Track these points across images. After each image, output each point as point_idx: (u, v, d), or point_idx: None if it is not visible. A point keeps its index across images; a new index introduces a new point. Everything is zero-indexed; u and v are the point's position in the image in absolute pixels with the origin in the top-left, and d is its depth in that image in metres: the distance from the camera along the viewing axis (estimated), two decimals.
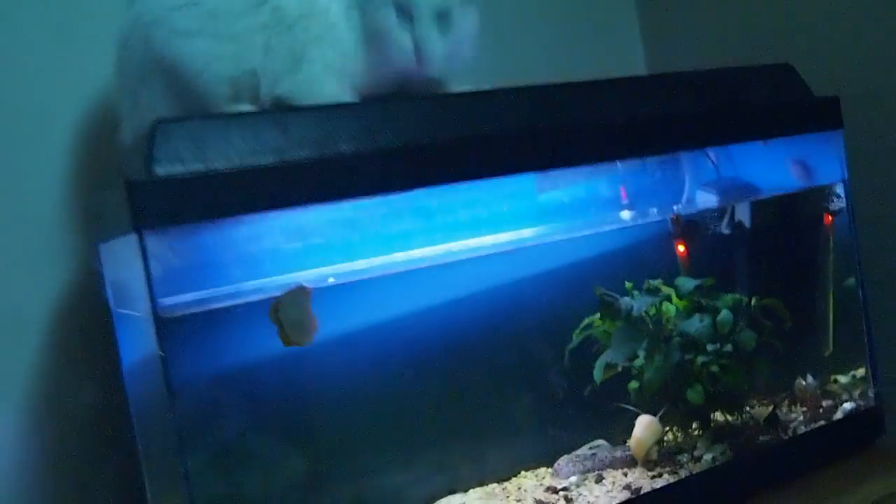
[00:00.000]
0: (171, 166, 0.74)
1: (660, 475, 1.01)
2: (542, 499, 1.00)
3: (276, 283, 0.80)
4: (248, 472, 0.89)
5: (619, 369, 1.05)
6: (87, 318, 1.09)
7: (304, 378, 0.93)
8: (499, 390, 1.11)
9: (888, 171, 1.24)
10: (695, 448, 1.06)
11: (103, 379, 1.07)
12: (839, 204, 1.22)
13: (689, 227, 1.21)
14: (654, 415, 1.06)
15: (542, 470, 1.09)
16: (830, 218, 1.25)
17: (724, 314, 1.05)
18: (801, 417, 1.15)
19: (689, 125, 1.02)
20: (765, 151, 1.18)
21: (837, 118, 1.14)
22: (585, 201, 1.07)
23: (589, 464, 1.06)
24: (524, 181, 0.95)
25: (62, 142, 1.10)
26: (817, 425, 1.12)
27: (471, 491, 1.05)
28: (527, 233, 1.00)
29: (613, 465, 1.05)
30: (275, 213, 0.77)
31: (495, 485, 1.06)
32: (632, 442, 1.06)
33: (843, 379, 1.23)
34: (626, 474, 1.03)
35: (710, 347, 1.04)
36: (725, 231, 1.24)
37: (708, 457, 1.04)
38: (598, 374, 1.04)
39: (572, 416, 1.11)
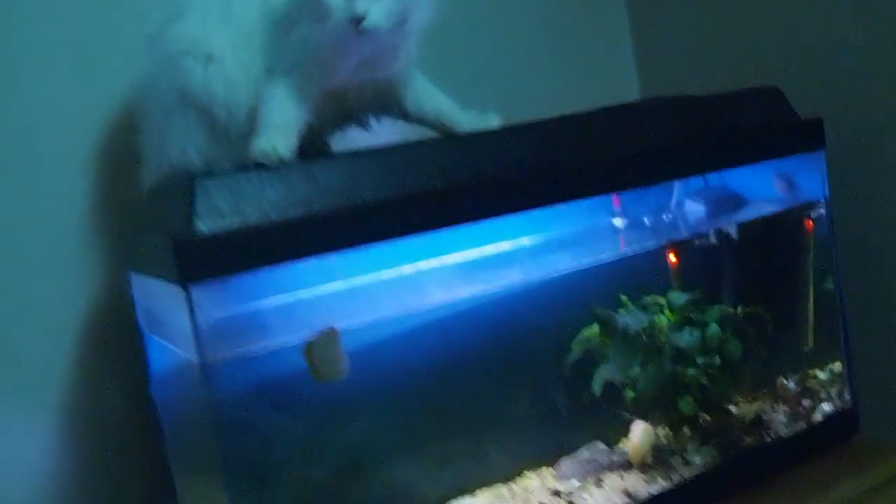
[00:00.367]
0: (212, 221, 0.80)
1: (654, 478, 1.10)
2: (547, 502, 1.09)
3: (308, 324, 0.86)
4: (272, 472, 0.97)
5: (616, 383, 1.14)
6: (116, 332, 1.16)
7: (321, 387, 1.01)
8: (502, 394, 1.19)
9: (865, 186, 1.32)
10: (685, 451, 1.16)
11: (131, 387, 1.15)
12: (819, 210, 1.29)
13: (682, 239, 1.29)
14: (648, 419, 1.15)
15: (544, 469, 1.18)
16: (811, 223, 1.33)
17: (713, 328, 1.14)
18: (783, 417, 1.24)
19: (684, 155, 1.09)
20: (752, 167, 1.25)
21: (821, 139, 1.21)
22: (586, 232, 1.14)
23: (589, 467, 1.15)
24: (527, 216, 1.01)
25: (90, 154, 1.15)
26: (798, 427, 1.21)
27: (478, 492, 1.13)
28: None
29: (611, 468, 1.14)
30: (307, 260, 0.83)
31: (501, 486, 1.14)
32: (629, 447, 1.14)
33: (821, 375, 1.33)
34: (622, 478, 1.12)
35: (699, 360, 1.12)
36: (712, 241, 1.31)
37: (697, 459, 1.13)
38: (596, 387, 1.12)
39: (572, 418, 1.20)
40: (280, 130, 0.90)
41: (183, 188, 0.83)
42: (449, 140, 0.99)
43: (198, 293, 0.78)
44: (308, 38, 0.91)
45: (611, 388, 1.15)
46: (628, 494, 1.08)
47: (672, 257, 1.28)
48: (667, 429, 1.17)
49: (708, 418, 1.18)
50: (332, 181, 0.87)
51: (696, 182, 1.30)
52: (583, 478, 1.13)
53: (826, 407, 1.25)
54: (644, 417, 1.16)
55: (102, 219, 1.15)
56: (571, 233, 1.12)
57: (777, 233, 1.35)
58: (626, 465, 1.14)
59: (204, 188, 0.81)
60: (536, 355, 1.17)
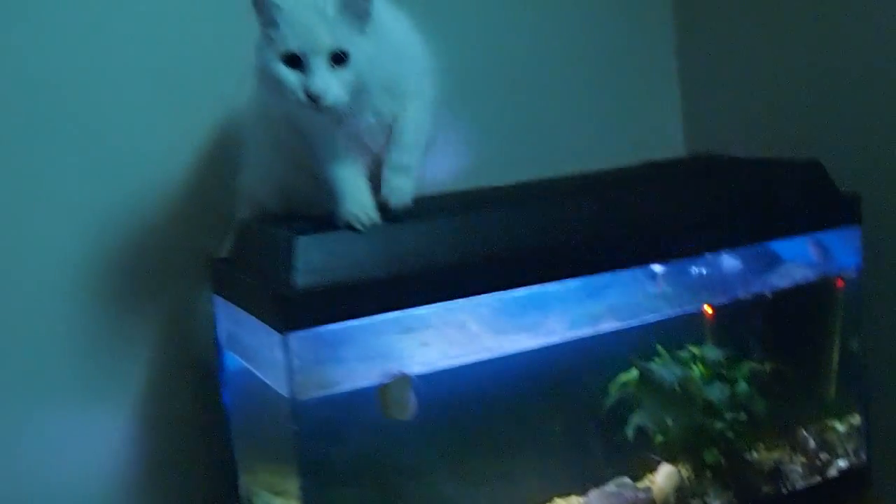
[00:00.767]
0: (310, 277, 0.91)
1: None
2: None
3: (386, 370, 0.97)
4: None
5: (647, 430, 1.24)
6: (192, 343, 1.29)
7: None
8: (544, 429, 1.29)
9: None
10: (705, 494, 1.25)
11: (203, 393, 1.27)
12: (850, 274, 1.38)
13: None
14: (674, 463, 1.25)
15: (573, 498, 1.28)
16: (842, 282, 1.42)
17: (742, 386, 1.23)
18: (800, 469, 1.33)
19: (726, 229, 1.18)
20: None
21: (857, 214, 1.29)
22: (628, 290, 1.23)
23: (615, 500, 1.25)
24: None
25: (183, 179, 1.27)
26: (813, 479, 1.30)
27: None
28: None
29: (636, 503, 1.24)
30: (388, 315, 0.94)
31: None
32: (654, 486, 1.25)
33: (840, 426, 1.42)
34: None
35: (727, 416, 1.22)
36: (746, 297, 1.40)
37: (717, 503, 1.23)
38: (630, 432, 1.22)
39: (603, 454, 1.30)
40: (360, 193, 1.00)
41: (283, 242, 0.94)
42: (518, 204, 1.09)
43: (293, 340, 0.89)
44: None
45: (641, 431, 1.25)
46: None
47: (708, 309, 1.38)
48: (690, 471, 1.27)
49: (729, 466, 1.28)
50: (412, 243, 0.97)
51: None
52: None
53: (841, 463, 1.34)
54: (670, 461, 1.26)
55: (192, 241, 1.27)
56: (616, 293, 1.21)
57: (808, 293, 1.43)
58: (649, 502, 1.25)
59: (304, 245, 0.92)
60: (577, 397, 1.27)
